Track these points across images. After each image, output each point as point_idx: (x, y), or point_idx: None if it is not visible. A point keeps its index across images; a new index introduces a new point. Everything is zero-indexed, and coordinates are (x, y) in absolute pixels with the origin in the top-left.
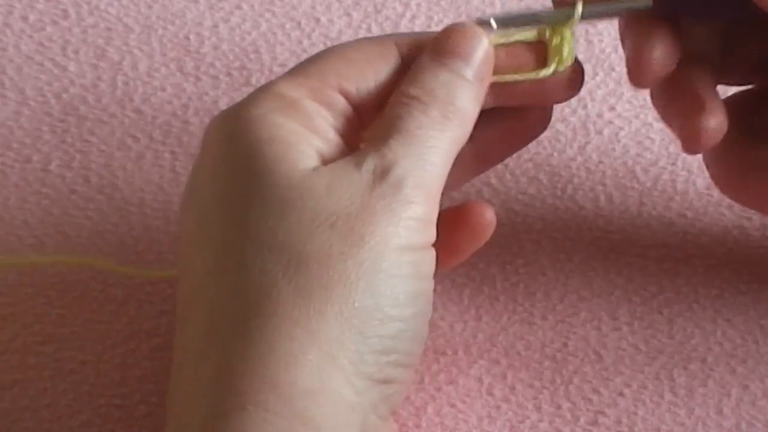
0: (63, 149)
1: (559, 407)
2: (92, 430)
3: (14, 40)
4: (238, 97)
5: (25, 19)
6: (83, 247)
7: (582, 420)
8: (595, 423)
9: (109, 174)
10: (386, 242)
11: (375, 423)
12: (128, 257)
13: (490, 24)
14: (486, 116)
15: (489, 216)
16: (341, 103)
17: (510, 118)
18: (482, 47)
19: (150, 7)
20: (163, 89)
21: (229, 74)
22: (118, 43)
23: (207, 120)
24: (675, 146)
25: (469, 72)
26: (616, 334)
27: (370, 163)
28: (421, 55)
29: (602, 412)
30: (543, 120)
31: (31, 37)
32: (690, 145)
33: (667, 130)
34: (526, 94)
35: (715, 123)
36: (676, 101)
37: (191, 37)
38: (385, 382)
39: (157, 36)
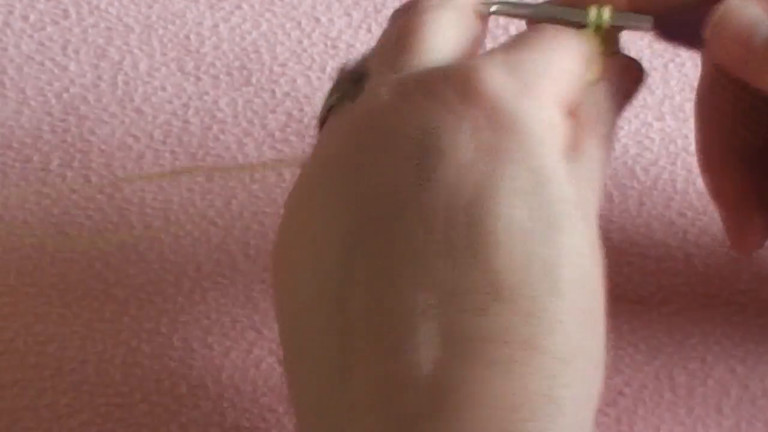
0: (63, 149)
1: None
2: (92, 429)
3: (14, 40)
4: (239, 97)
5: (25, 18)
6: (83, 246)
7: None
8: (595, 422)
9: (109, 174)
10: None
11: None
12: (128, 257)
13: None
14: None
15: None
16: None
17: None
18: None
19: (150, 7)
20: (164, 89)
21: (229, 74)
22: (118, 43)
23: (207, 120)
24: (675, 146)
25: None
26: (616, 333)
27: None
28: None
29: (602, 411)
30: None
31: (31, 36)
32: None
33: (667, 130)
34: None
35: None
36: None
37: (191, 37)
38: None
39: (157, 36)
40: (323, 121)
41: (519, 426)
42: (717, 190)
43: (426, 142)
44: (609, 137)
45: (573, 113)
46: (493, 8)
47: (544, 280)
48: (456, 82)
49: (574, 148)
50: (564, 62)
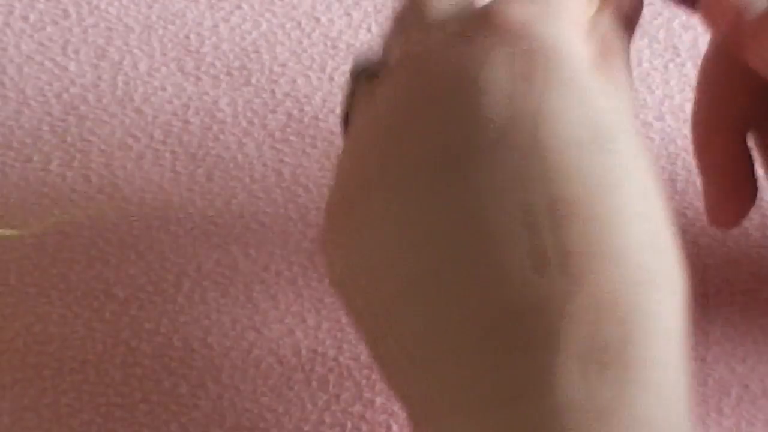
0: (63, 149)
1: None
2: (93, 429)
3: (14, 40)
4: (239, 97)
5: (25, 18)
6: (83, 246)
7: None
8: None
9: (109, 174)
10: None
11: None
12: (128, 257)
13: None
14: None
15: None
16: None
17: None
18: None
19: (150, 7)
20: (164, 89)
21: (229, 74)
22: (118, 43)
23: (207, 120)
24: (675, 146)
25: None
26: None
27: None
28: None
29: None
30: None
31: (31, 36)
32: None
33: (667, 130)
34: None
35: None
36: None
37: (191, 37)
38: None
39: (157, 36)
40: (346, 117)
41: (607, 329)
42: (704, 154)
43: (465, 84)
44: (627, 62)
45: (591, 38)
46: None
47: (605, 192)
48: (481, 20)
49: (600, 69)
50: None
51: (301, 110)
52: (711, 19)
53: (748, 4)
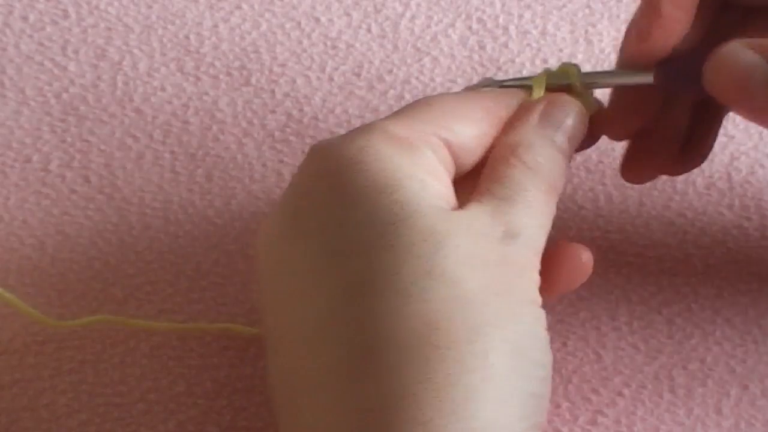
0: (63, 149)
1: (558, 406)
2: (91, 429)
3: (14, 40)
4: (238, 97)
5: (25, 19)
6: (83, 246)
7: (581, 419)
8: (594, 423)
9: (109, 174)
10: (525, 293)
11: None
12: (128, 257)
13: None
14: None
15: (585, 257)
16: (443, 150)
17: None
18: (582, 121)
19: (150, 7)
20: (163, 89)
21: (229, 74)
22: (118, 43)
23: (207, 120)
24: None
25: (566, 146)
26: (616, 333)
27: (501, 222)
28: (529, 118)
29: (601, 412)
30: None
31: (31, 37)
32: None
33: None
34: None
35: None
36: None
37: (191, 37)
38: (534, 426)
39: (157, 36)
40: None
41: None
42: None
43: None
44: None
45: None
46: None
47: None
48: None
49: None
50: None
51: (301, 110)
52: (718, 89)
53: (753, 72)
